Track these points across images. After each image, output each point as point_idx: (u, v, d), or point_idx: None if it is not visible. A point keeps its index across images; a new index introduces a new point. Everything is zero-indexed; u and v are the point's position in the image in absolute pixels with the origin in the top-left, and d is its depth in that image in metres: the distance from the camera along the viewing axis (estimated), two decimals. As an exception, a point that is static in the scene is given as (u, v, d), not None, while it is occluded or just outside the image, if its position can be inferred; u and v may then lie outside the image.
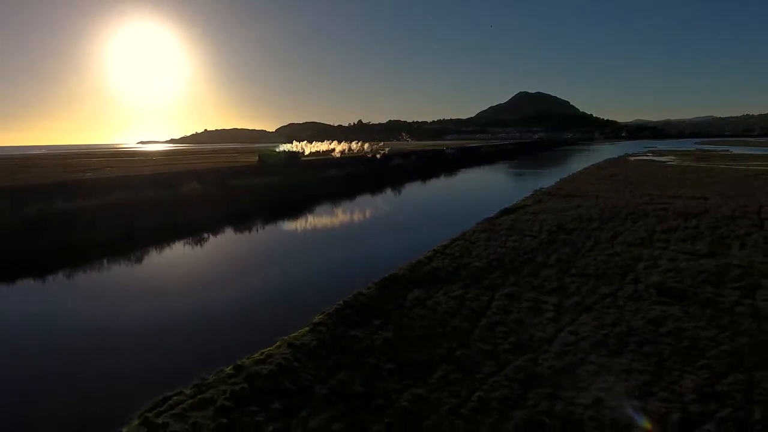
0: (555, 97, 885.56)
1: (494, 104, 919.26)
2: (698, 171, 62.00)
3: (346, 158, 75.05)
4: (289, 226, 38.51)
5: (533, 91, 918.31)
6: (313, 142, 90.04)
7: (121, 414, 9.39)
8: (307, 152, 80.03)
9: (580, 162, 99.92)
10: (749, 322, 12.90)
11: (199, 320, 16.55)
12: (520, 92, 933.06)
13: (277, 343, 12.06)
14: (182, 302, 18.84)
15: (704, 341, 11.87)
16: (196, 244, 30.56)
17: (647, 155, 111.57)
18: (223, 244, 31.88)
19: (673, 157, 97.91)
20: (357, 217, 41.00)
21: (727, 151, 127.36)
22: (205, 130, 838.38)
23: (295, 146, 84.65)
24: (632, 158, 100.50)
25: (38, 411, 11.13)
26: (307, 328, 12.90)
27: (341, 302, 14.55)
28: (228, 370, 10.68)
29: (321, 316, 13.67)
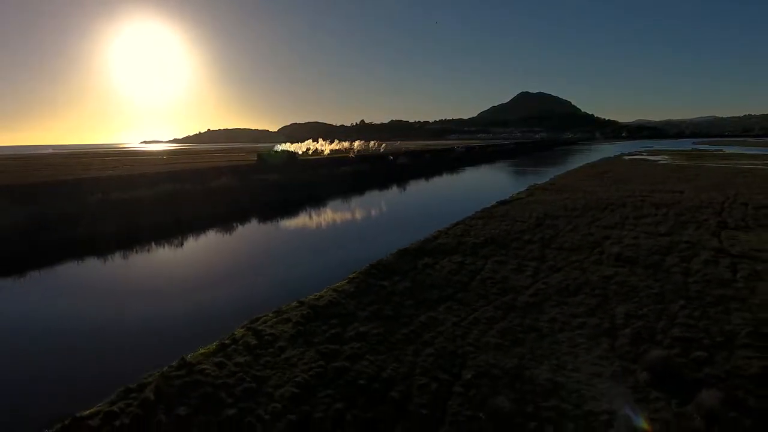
0: (556, 97, 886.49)
1: (496, 104, 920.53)
2: (685, 169, 66.10)
3: (361, 156, 79.34)
4: (315, 215, 42.81)
5: (535, 91, 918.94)
6: (319, 140, 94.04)
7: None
8: (311, 151, 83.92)
9: (577, 161, 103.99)
10: (678, 277, 17.10)
11: (274, 273, 21.50)
12: (522, 92, 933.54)
13: (325, 290, 16.31)
14: (261, 262, 24.07)
15: (640, 288, 16.08)
16: (246, 227, 36.06)
17: (642, 155, 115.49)
18: (268, 227, 37.25)
19: (666, 157, 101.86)
20: (374, 205, 45.37)
21: (721, 150, 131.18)
22: (208, 129, 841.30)
23: (308, 145, 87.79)
24: (626, 157, 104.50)
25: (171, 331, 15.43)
26: (345, 281, 17.16)
27: (368, 264, 18.81)
28: (294, 303, 14.93)
29: (354, 274, 17.92)
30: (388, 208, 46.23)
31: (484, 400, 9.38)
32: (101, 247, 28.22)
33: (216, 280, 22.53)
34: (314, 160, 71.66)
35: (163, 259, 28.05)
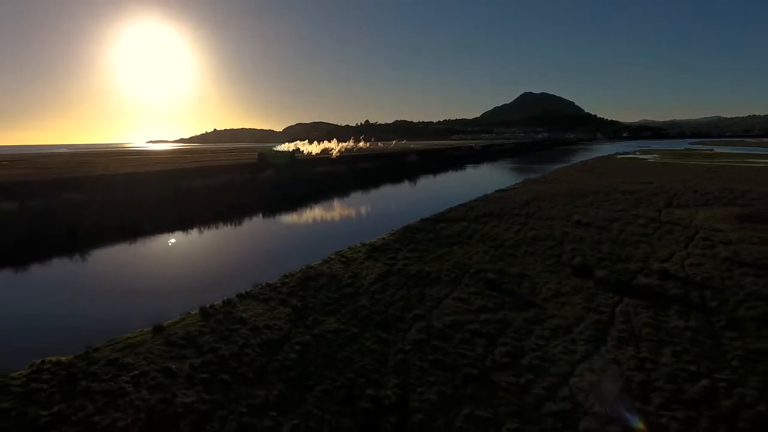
0: (559, 97, 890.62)
1: (499, 105, 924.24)
2: (665, 166, 73.91)
3: (375, 154, 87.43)
4: (348, 200, 50.93)
5: (538, 92, 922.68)
6: (333, 141, 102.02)
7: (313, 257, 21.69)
8: (316, 151, 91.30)
9: (573, 160, 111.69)
10: (614, 233, 25.09)
11: (342, 231, 29.37)
12: (525, 93, 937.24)
13: (373, 239, 24.41)
14: (335, 226, 31.57)
15: (586, 238, 24.08)
16: (298, 209, 43.97)
17: (635, 154, 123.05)
18: (314, 208, 45.15)
19: (656, 156, 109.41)
20: (396, 193, 53.44)
21: (711, 150, 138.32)
22: (215, 129, 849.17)
23: (323, 144, 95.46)
24: (619, 156, 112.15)
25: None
26: (388, 234, 25.28)
27: (402, 227, 26.93)
28: (359, 245, 23.04)
29: (393, 231, 26.03)
30: (407, 195, 54.21)
31: (481, 276, 17.46)
32: (207, 219, 36.17)
33: (316, 234, 30.77)
34: (333, 159, 79.81)
35: (270, 226, 36.53)
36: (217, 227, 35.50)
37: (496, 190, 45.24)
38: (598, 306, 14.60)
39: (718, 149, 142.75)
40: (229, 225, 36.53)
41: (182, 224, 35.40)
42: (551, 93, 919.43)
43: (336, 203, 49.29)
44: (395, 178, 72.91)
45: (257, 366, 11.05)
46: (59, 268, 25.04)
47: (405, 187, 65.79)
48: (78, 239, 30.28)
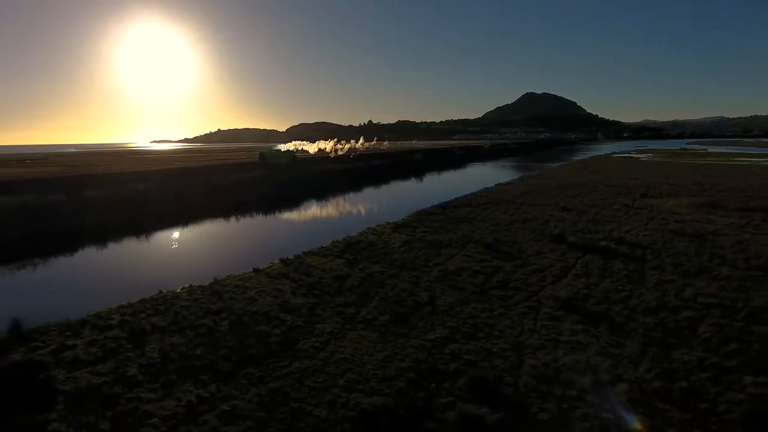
0: (561, 97, 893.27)
1: (501, 105, 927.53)
2: (655, 164, 79.45)
3: (391, 152, 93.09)
4: (368, 193, 56.57)
5: (540, 92, 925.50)
6: (351, 141, 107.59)
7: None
8: (314, 150, 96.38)
9: (571, 158, 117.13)
10: (591, 215, 30.71)
11: (367, 215, 34.81)
12: (527, 93, 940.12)
13: (396, 219, 30.10)
14: (362, 210, 37.21)
15: (567, 219, 29.69)
16: (326, 199, 49.28)
17: (631, 153, 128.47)
18: (350, 198, 50.58)
19: (650, 155, 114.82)
20: (408, 187, 59.09)
21: (705, 150, 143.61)
22: (219, 129, 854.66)
23: (330, 144, 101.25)
24: (615, 155, 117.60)
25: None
26: (406, 216, 30.98)
27: (416, 211, 32.62)
28: (384, 223, 28.74)
29: (408, 215, 31.71)
30: (417, 189, 59.85)
31: (482, 242, 23.12)
32: (232, 208, 41.95)
33: (343, 219, 36.25)
34: (340, 157, 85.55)
35: (300, 212, 41.73)
36: (254, 214, 41.23)
37: (496, 184, 50.91)
38: (566, 258, 20.24)
39: (711, 149, 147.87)
40: (265, 213, 42.26)
41: (226, 211, 41.11)
42: (553, 93, 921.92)
43: (356, 196, 55.03)
44: (405, 175, 78.61)
45: (334, 287, 16.74)
46: (166, 240, 30.82)
47: (414, 182, 71.47)
48: (152, 223, 35.83)
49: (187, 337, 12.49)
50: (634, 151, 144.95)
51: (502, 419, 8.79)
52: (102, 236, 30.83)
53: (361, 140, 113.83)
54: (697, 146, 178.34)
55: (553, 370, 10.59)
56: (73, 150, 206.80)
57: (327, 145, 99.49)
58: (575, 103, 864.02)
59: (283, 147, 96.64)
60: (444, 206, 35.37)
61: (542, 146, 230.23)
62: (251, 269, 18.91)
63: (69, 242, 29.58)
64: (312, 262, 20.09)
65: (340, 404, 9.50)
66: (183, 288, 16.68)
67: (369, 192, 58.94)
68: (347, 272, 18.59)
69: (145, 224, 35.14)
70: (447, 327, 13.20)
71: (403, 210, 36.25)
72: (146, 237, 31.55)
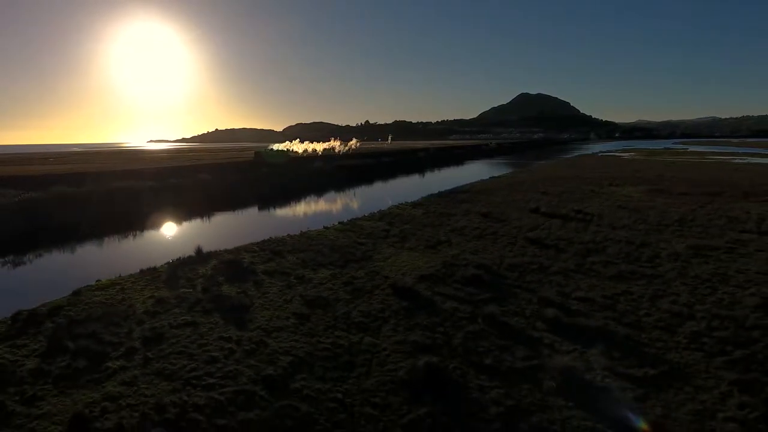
0: (555, 98, 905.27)
1: (496, 105, 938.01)
2: (631, 161, 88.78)
3: (395, 150, 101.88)
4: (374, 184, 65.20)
5: (534, 93, 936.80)
6: (332, 140, 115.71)
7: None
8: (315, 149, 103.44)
9: (560, 157, 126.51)
10: (563, 197, 39.69)
11: (386, 196, 43.60)
12: (522, 93, 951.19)
13: (412, 201, 38.93)
14: (382, 196, 46.00)
15: (543, 200, 38.63)
16: (348, 191, 57.75)
17: (615, 152, 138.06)
18: (364, 189, 59.01)
19: (633, 154, 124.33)
20: (414, 181, 67.93)
21: (686, 149, 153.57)
22: (216, 129, 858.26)
23: (330, 143, 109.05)
24: (601, 154, 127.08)
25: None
26: (419, 199, 39.85)
27: (427, 195, 41.50)
28: (403, 203, 37.55)
29: (422, 197, 40.57)
30: (422, 182, 68.71)
31: (479, 213, 31.99)
32: (248, 201, 50.46)
33: (368, 202, 44.89)
34: (341, 155, 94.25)
35: (324, 199, 50.39)
36: (287, 201, 49.90)
37: (490, 177, 59.95)
38: (537, 221, 29.14)
39: (692, 148, 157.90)
40: (294, 201, 50.92)
41: (254, 201, 49.69)
42: (547, 94, 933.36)
43: (372, 187, 63.82)
44: (408, 171, 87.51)
45: (381, 235, 25.53)
46: (221, 217, 39.37)
47: (417, 177, 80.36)
48: (188, 210, 44.32)
49: (309, 255, 21.24)
50: (619, 150, 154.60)
51: (491, 279, 17.59)
52: (167, 216, 39.23)
53: (354, 140, 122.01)
54: (680, 146, 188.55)
55: (519, 264, 19.44)
56: (77, 149, 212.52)
57: (319, 147, 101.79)
58: (569, 103, 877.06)
59: (275, 146, 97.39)
60: (449, 192, 44.31)
61: (536, 146, 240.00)
62: (321, 227, 27.67)
63: (156, 218, 38.06)
64: (361, 224, 28.89)
65: (408, 274, 18.30)
66: (284, 236, 25.42)
67: (378, 185, 67.72)
68: (388, 228, 27.40)
69: (197, 208, 43.82)
70: (460, 250, 22.03)
71: (414, 196, 45.10)
72: (207, 217, 40.22)
